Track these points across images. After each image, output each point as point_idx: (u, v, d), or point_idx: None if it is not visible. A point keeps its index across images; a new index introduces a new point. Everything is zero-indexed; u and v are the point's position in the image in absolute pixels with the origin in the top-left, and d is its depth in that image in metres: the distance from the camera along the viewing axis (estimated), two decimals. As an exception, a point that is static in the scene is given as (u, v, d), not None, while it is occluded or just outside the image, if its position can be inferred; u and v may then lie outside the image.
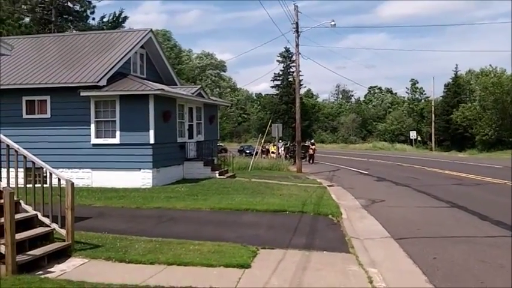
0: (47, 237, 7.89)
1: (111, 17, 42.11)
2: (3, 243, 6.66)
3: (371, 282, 6.82)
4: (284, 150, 39.39)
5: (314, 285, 6.61)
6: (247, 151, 44.44)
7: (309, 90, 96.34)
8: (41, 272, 6.91)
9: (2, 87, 17.99)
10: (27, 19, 40.17)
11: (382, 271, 7.43)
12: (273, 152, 40.22)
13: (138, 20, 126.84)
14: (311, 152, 38.39)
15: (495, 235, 10.16)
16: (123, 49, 19.74)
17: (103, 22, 41.62)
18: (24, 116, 18.50)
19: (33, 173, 8.18)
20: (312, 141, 44.13)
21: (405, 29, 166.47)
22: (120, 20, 42.16)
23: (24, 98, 18.49)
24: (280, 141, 44.22)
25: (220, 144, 63.47)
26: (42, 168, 8.13)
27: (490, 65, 61.93)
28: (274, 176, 23.27)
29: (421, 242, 9.54)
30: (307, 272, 7.16)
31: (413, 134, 66.99)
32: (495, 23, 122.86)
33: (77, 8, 41.34)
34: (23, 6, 39.53)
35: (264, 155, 41.42)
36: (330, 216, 11.98)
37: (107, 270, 7.10)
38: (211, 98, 26.51)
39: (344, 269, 7.44)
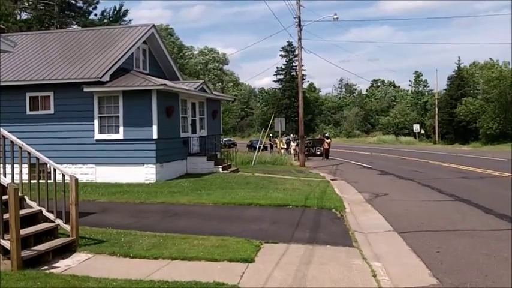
0: (52, 233, 7.93)
1: (111, 11, 42.05)
2: (8, 239, 6.70)
3: (374, 276, 6.83)
4: (297, 145, 35.50)
5: (317, 279, 6.63)
6: (257, 146, 43.53)
7: (311, 84, 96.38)
8: (46, 267, 6.95)
9: (5, 83, 18.07)
10: (28, 15, 40.14)
11: (385, 265, 7.44)
12: (281, 148, 38.07)
13: (142, 16, 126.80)
14: (326, 146, 35.51)
15: (499, 228, 10.14)
16: (126, 45, 19.74)
17: (104, 16, 41.52)
18: (28, 112, 18.55)
19: (37, 169, 8.21)
20: (327, 134, 41.28)
21: (408, 22, 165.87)
22: (121, 13, 42.04)
23: (28, 94, 18.53)
24: (291, 135, 43.22)
25: (230, 138, 63.53)
26: (46, 164, 8.15)
27: (491, 59, 61.65)
28: (277, 171, 23.29)
29: (425, 236, 9.54)
30: (311, 266, 7.17)
31: (416, 127, 66.87)
32: (499, 14, 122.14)
33: (80, 4, 41.30)
34: (25, 3, 39.54)
35: (271, 150, 40.25)
36: (333, 210, 11.99)
37: (112, 265, 7.13)
38: (214, 92, 26.50)
39: (347, 263, 7.45)
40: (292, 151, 35.35)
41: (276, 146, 39.62)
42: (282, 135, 39.31)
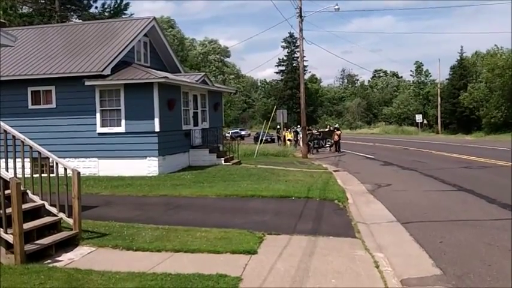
0: (55, 227, 7.95)
1: (112, 4, 41.83)
2: (11, 233, 6.72)
3: (377, 266, 6.83)
4: (307, 136, 32.52)
5: (320, 270, 6.63)
6: (264, 138, 41.23)
7: (313, 75, 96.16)
8: (49, 261, 6.97)
9: (7, 78, 18.07)
10: (29, 9, 40.01)
11: (388, 255, 7.44)
12: (289, 140, 37.19)
13: (145, 8, 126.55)
14: (336, 138, 33.09)
15: (502, 218, 10.12)
16: (127, 38, 19.69)
17: (104, 9, 41.34)
18: (30, 106, 18.55)
19: (40, 163, 8.22)
20: (336, 125, 39.09)
21: (411, 12, 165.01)
22: (122, 7, 41.83)
23: (30, 89, 18.54)
24: (299, 126, 42.26)
25: (237, 130, 63.38)
26: (49, 158, 8.16)
27: (496, 45, 60.44)
28: (280, 162, 23.29)
29: (428, 226, 9.53)
30: (314, 257, 7.17)
31: (419, 118, 66.71)
32: (503, 3, 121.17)
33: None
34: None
35: (280, 142, 38.61)
36: (336, 201, 11.99)
37: (114, 258, 7.15)
38: (215, 85, 26.45)
39: (350, 254, 7.45)
40: (301, 143, 32.50)
41: (284, 138, 38.11)
42: (288, 128, 38.51)
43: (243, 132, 64.33)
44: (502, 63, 52.10)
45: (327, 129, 38.52)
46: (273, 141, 44.08)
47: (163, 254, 7.32)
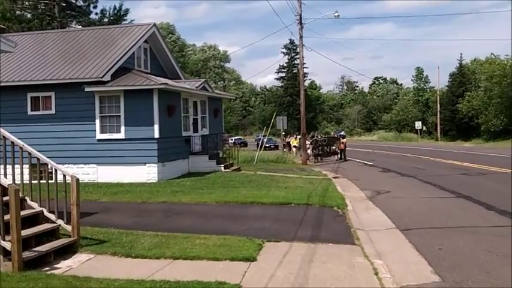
0: (53, 234, 7.92)
1: (111, 10, 42.01)
2: (9, 240, 6.70)
3: (376, 273, 6.82)
4: (311, 143, 31.38)
5: (320, 277, 6.61)
6: (267, 145, 39.36)
7: (312, 81, 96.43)
8: (47, 268, 6.95)
9: (6, 84, 18.10)
10: (28, 15, 40.12)
11: (387, 262, 7.43)
12: (294, 146, 36.15)
13: (146, 14, 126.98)
14: (342, 146, 31.43)
15: (501, 225, 10.11)
16: (127, 44, 19.73)
17: (103, 15, 41.48)
18: (29, 112, 18.55)
19: (38, 170, 8.21)
20: (342, 133, 37.71)
21: (411, 18, 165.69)
22: (122, 13, 41.99)
23: (29, 95, 18.54)
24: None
25: (240, 137, 62.36)
26: (47, 164, 8.15)
27: (492, 53, 60.50)
28: (280, 169, 23.27)
29: (427, 233, 9.51)
30: (313, 265, 7.16)
31: (418, 125, 66.81)
32: (503, 11, 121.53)
33: (80, 3, 41.30)
34: (25, 2, 39.58)
35: (285, 149, 37.67)
36: (335, 208, 11.98)
37: (113, 266, 7.13)
38: (215, 91, 26.49)
39: (350, 260, 7.44)
40: (309, 151, 30.68)
41: (291, 146, 36.90)
42: (293, 134, 38.06)
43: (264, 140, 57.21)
44: (499, 72, 52.10)
45: (333, 136, 37.95)
46: (276, 148, 43.62)
47: (163, 261, 7.30)
